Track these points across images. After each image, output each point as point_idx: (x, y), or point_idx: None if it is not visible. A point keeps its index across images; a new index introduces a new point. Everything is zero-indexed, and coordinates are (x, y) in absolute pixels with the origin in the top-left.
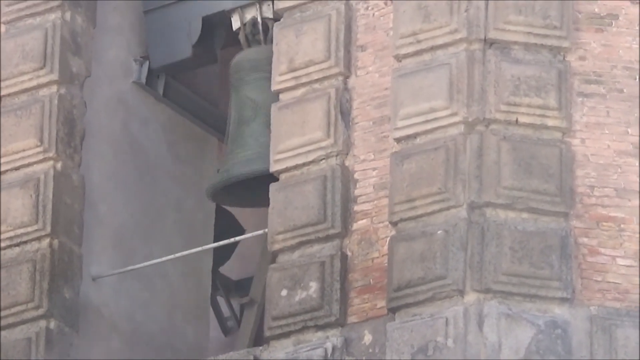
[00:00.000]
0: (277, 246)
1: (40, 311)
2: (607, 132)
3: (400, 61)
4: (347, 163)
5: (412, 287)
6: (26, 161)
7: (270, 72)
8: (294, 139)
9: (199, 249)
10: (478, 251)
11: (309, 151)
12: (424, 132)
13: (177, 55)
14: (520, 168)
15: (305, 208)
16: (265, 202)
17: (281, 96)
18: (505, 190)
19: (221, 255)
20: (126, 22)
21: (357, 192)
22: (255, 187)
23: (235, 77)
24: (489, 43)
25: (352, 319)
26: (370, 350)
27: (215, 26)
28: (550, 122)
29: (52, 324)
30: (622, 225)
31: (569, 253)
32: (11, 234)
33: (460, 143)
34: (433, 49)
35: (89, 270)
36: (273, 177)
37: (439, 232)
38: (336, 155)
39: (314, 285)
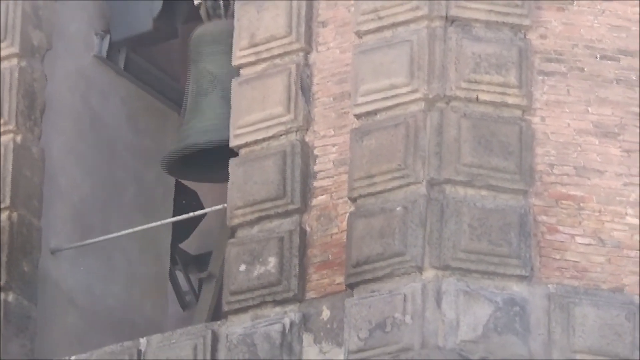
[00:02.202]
0: (236, 221)
1: None
2: (567, 110)
3: (362, 37)
4: (307, 139)
5: (370, 263)
6: None
7: (229, 46)
8: (254, 114)
9: (158, 223)
10: (437, 228)
11: (269, 126)
12: (384, 108)
13: (138, 28)
14: (480, 145)
15: (265, 183)
16: (223, 177)
17: (242, 71)
18: (465, 168)
19: (182, 232)
20: None
21: (316, 167)
22: (213, 162)
23: (195, 51)
24: (450, 20)
25: (310, 294)
26: (328, 326)
27: (176, 1)
28: (510, 100)
29: (11, 297)
30: (581, 204)
31: (528, 231)
32: None
33: (420, 120)
34: (394, 25)
35: (47, 243)
36: (231, 152)
37: (398, 208)
38: (296, 131)
39: (272, 261)
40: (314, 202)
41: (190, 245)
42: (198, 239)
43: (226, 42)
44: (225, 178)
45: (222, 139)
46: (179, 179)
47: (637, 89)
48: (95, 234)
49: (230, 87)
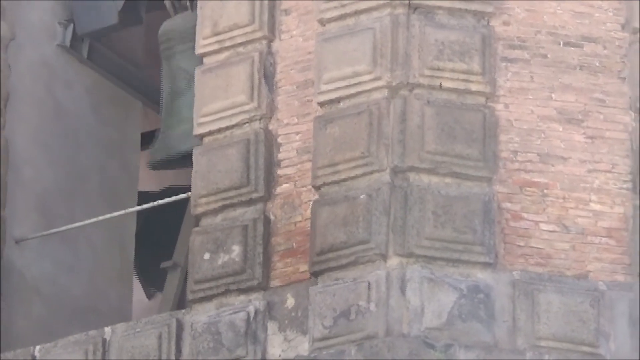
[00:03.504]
0: (200, 209)
1: None
2: (530, 97)
3: (324, 25)
4: (270, 127)
5: (334, 251)
6: None
7: None
8: (217, 103)
9: (122, 212)
10: (401, 215)
11: (233, 115)
12: (348, 96)
13: (103, 21)
14: (443, 133)
15: (229, 171)
16: None
17: (205, 60)
18: (429, 155)
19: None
20: None
21: (280, 156)
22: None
23: (165, 47)
24: (413, 7)
25: (274, 282)
26: (293, 314)
27: None
28: (474, 87)
29: None
30: (545, 191)
31: (492, 218)
32: None
33: (383, 107)
34: (357, 13)
35: (12, 233)
36: None
37: (362, 196)
38: (260, 119)
39: (236, 249)
40: (278, 190)
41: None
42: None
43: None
44: None
45: None
46: (160, 170)
47: (601, 75)
48: (59, 223)
49: None
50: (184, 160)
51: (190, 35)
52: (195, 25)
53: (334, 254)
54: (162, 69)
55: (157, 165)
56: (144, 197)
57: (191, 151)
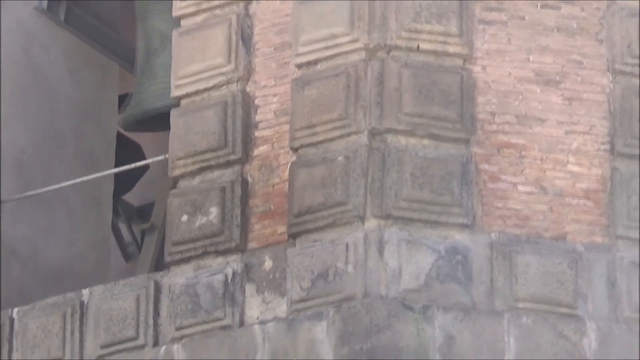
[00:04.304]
0: (177, 172)
1: None
2: (508, 59)
3: None
4: (248, 89)
5: (312, 213)
6: None
7: None
8: (194, 65)
9: (100, 174)
10: (379, 177)
11: (210, 77)
12: (325, 58)
13: None
14: (421, 95)
15: (206, 134)
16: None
17: (182, 22)
18: (406, 117)
19: (127, 184)
20: None
21: (257, 118)
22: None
23: (141, 7)
24: None
25: (252, 244)
26: (271, 276)
27: None
28: (451, 49)
29: None
30: (523, 152)
31: (470, 179)
32: None
33: (361, 69)
34: None
35: None
36: None
37: (339, 158)
38: (237, 81)
39: (214, 211)
40: (256, 152)
41: (132, 197)
42: (141, 190)
43: None
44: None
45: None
46: (132, 132)
47: (578, 37)
48: (36, 186)
49: None
50: (157, 122)
51: None
52: None
53: (312, 216)
54: (137, 29)
55: (129, 127)
56: None
57: (164, 113)
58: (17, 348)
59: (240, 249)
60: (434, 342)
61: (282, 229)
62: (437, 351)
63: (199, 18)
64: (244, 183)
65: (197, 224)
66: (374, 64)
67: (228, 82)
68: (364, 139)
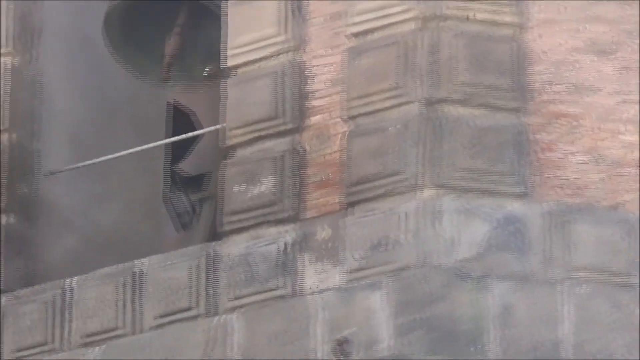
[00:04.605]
0: (232, 142)
1: None
2: (561, 28)
3: None
4: (301, 59)
5: (367, 183)
6: None
7: None
8: (247, 35)
9: (154, 144)
10: (433, 147)
11: (263, 47)
12: (379, 27)
13: None
14: (474, 64)
15: (260, 103)
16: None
17: None
18: (460, 86)
19: (178, 153)
20: None
21: (312, 87)
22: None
23: None
24: None
25: (307, 214)
26: (326, 246)
27: None
28: (504, 18)
29: (8, 219)
30: (577, 122)
31: (524, 149)
32: None
33: (414, 39)
34: None
35: (44, 165)
36: None
37: (393, 127)
38: (290, 51)
39: (269, 181)
40: (310, 121)
41: (188, 166)
42: (195, 159)
43: None
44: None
45: None
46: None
47: (631, 6)
48: (91, 156)
49: None
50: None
51: None
52: None
53: (367, 185)
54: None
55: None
56: None
57: None
58: (73, 318)
59: (295, 218)
60: (489, 312)
61: (336, 198)
62: (493, 321)
63: None
64: (298, 153)
65: (251, 193)
66: (427, 34)
67: (281, 52)
68: (417, 108)
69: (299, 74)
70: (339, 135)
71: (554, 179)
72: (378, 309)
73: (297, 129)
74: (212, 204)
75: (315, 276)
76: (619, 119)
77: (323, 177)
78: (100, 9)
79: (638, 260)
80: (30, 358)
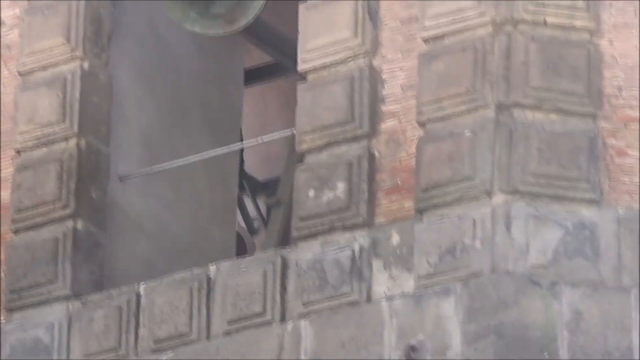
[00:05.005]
0: (304, 146)
1: (68, 211)
2: (635, 33)
3: None
4: (374, 63)
5: (439, 188)
6: (53, 60)
7: None
8: (321, 39)
9: (226, 148)
10: (506, 152)
11: (337, 51)
12: (452, 32)
13: None
14: (548, 69)
15: (333, 108)
16: None
17: None
18: (533, 91)
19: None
20: None
21: (384, 92)
22: None
23: None
24: None
25: (379, 219)
26: (398, 252)
27: None
28: (578, 23)
29: (79, 224)
30: None
31: (597, 154)
32: (38, 133)
33: (488, 43)
34: None
35: (115, 169)
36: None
37: (466, 132)
38: (364, 55)
39: (341, 186)
40: (383, 126)
41: (258, 171)
42: (265, 164)
43: None
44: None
45: None
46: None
47: None
48: (162, 160)
49: None
50: None
51: None
52: None
53: (439, 191)
54: None
55: None
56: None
57: None
58: (144, 323)
59: (368, 224)
60: (561, 318)
61: (409, 204)
62: (565, 327)
63: None
64: (371, 158)
65: (324, 199)
66: (501, 38)
67: (355, 56)
68: (491, 113)
69: (373, 79)
70: (412, 141)
71: (627, 185)
72: (449, 316)
73: (370, 134)
74: (283, 209)
75: (386, 282)
76: None
77: (395, 183)
78: None
79: None
80: None
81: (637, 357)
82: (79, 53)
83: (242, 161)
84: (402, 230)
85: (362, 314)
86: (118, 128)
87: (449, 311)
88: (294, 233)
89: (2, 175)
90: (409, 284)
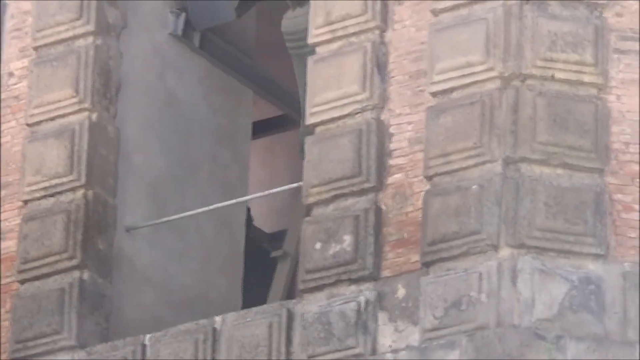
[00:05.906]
0: (311, 199)
1: (74, 262)
2: None
3: (437, 15)
4: (382, 117)
5: (446, 242)
6: (61, 112)
7: None
8: (329, 92)
9: (234, 201)
10: (512, 206)
11: (345, 104)
12: (460, 86)
13: (219, 17)
14: (555, 124)
15: (341, 161)
16: None
17: (318, 49)
18: (541, 146)
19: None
20: None
21: (392, 146)
22: None
23: (295, 46)
24: None
25: (385, 273)
26: (404, 305)
27: None
28: (586, 78)
29: (86, 275)
30: None
31: (604, 209)
32: (46, 184)
33: (496, 98)
34: (470, 3)
35: (123, 221)
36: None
37: (473, 186)
38: (372, 109)
39: (348, 239)
40: (390, 180)
41: (265, 224)
42: (273, 217)
43: None
44: None
45: None
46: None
47: None
48: (170, 212)
49: None
50: None
51: None
52: None
53: (446, 245)
54: (295, 67)
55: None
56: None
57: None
58: None
59: (374, 277)
60: None
61: (415, 257)
62: None
63: (334, 45)
64: (378, 211)
65: (330, 251)
66: (509, 93)
67: (363, 110)
68: (498, 167)
69: (380, 132)
70: (419, 194)
71: (633, 240)
72: None
73: (377, 188)
74: (290, 261)
75: (391, 335)
76: None
77: (402, 236)
78: (184, 63)
79: None
80: None
81: None
82: (87, 105)
83: (249, 213)
84: (408, 284)
85: None
86: (125, 179)
87: None
88: (301, 285)
89: (9, 226)
90: (414, 337)
